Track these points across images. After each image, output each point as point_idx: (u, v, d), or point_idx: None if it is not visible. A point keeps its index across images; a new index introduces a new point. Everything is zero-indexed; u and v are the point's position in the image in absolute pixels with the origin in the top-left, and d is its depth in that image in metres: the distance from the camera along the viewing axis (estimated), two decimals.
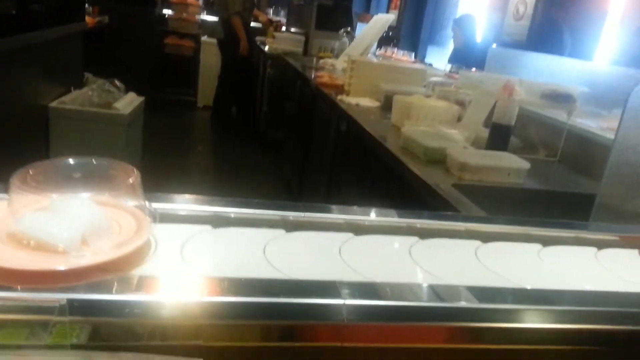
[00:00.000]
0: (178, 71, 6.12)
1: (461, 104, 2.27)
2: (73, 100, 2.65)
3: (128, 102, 2.72)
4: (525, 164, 1.65)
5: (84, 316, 0.51)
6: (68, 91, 2.80)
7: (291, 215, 0.82)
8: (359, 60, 2.86)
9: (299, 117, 3.91)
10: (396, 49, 4.47)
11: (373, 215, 0.88)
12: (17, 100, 2.35)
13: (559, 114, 2.03)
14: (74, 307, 0.50)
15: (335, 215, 0.85)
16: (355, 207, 0.88)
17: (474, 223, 0.91)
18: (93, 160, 0.68)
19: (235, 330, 0.54)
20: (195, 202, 0.81)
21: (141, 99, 2.91)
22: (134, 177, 0.65)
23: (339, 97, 2.79)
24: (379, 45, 4.67)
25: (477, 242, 0.85)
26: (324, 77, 3.25)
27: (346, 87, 2.87)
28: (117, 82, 2.77)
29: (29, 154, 2.50)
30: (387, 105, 2.51)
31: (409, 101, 2.11)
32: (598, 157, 1.88)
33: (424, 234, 0.85)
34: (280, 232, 0.78)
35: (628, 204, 1.24)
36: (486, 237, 0.86)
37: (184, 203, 0.81)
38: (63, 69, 2.82)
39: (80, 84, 2.91)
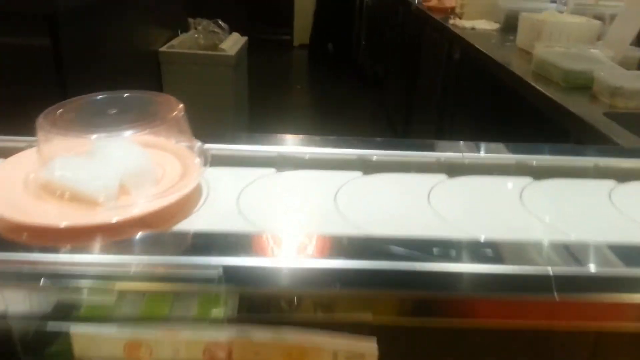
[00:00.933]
0: (274, 10, 6.03)
1: (601, 18, 1.95)
2: (181, 43, 2.69)
3: (233, 43, 2.70)
4: None
5: (239, 285, 0.44)
6: (175, 35, 2.84)
7: (370, 154, 0.69)
8: None
9: (402, 48, 3.68)
10: None
11: (470, 150, 0.71)
12: (132, 46, 2.41)
13: None
14: (229, 275, 0.44)
15: (424, 153, 0.70)
16: (447, 143, 0.73)
17: (605, 157, 0.72)
18: (128, 93, 0.59)
19: (414, 304, 0.45)
20: (255, 141, 0.70)
21: (244, 38, 2.88)
22: (178, 110, 0.54)
23: (451, 21, 2.54)
24: None
25: (610, 183, 0.67)
26: (432, 1, 2.98)
27: (458, 10, 2.62)
28: (220, 23, 2.75)
29: None
30: (508, 26, 2.24)
31: (540, 18, 1.85)
32: None
33: (540, 173, 0.68)
34: (356, 175, 0.66)
35: None
36: (623, 176, 0.68)
37: (243, 143, 0.69)
38: (169, 12, 2.85)
39: (185, 27, 2.93)
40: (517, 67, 1.75)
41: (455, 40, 2.37)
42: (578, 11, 2.03)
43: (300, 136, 0.71)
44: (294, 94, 4.92)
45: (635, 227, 0.59)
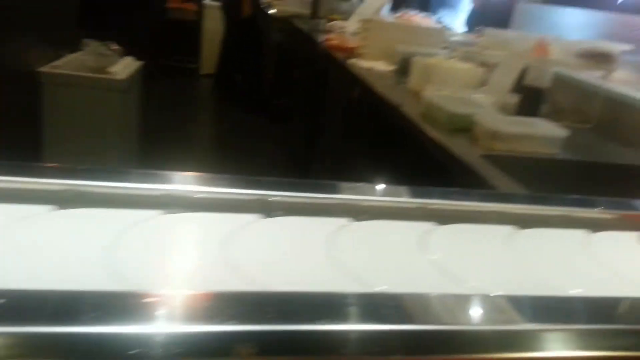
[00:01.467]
0: (180, 37, 5.87)
1: (486, 66, 2.07)
2: (66, 64, 2.48)
3: (124, 67, 2.54)
4: (562, 132, 1.48)
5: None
6: (62, 55, 2.62)
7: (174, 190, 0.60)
8: (373, 20, 2.65)
9: (307, 84, 3.71)
10: (416, 11, 4.20)
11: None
12: (6, 65, 2.18)
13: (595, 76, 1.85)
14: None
15: (241, 192, 0.63)
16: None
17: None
18: None
19: None
20: (36, 173, 0.58)
21: (139, 63, 2.72)
22: None
23: (351, 60, 2.59)
24: (394, 8, 4.40)
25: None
26: (334, 40, 3.03)
27: (359, 50, 2.67)
28: (113, 46, 2.58)
29: (20, 123, 2.35)
30: (403, 68, 2.31)
31: (430, 63, 1.92)
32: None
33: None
34: (156, 213, 0.58)
35: None
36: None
37: (19, 175, 0.57)
38: (56, 31, 2.64)
39: (74, 48, 2.72)
40: (408, 108, 1.78)
41: (353, 79, 2.41)
42: (465, 58, 2.14)
43: (90, 168, 0.59)
44: (194, 126, 4.75)
45: (536, 278, 0.57)
